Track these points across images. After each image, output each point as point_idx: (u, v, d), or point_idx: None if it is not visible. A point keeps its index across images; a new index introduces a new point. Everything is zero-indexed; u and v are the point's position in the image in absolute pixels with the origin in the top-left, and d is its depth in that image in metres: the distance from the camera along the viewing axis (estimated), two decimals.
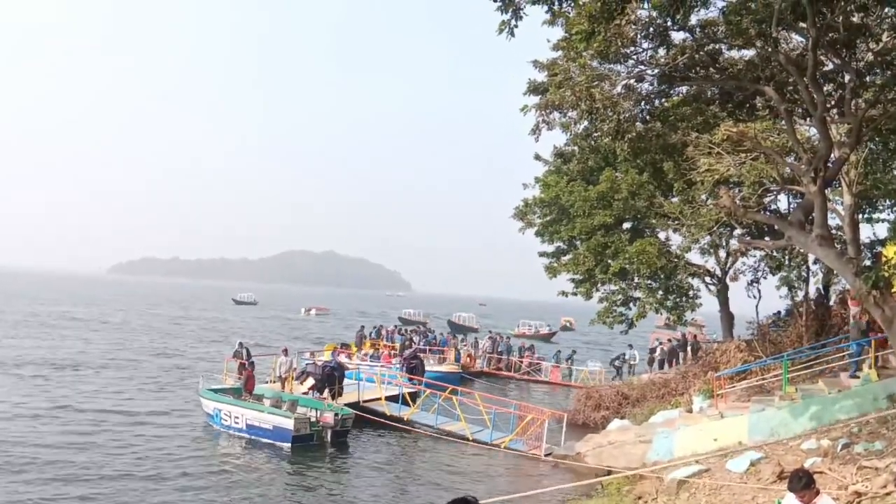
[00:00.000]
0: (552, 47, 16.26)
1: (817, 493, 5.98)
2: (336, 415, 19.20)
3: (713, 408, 16.77)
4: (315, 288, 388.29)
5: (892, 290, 11.14)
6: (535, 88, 15.63)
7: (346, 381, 22.76)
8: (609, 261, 25.13)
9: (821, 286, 21.78)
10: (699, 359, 24.09)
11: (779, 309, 24.11)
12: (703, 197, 20.75)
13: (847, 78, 13.37)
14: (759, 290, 23.79)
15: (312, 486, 15.58)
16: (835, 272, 17.67)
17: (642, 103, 15.16)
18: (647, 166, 21.90)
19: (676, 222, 22.78)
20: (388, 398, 22.40)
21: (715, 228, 20.79)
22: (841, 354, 16.20)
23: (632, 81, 14.36)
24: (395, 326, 54.00)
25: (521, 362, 38.28)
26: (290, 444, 18.17)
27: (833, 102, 14.13)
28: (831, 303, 21.02)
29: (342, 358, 28.83)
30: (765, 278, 24.07)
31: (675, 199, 23.07)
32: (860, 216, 20.29)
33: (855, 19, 12.42)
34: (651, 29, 13.11)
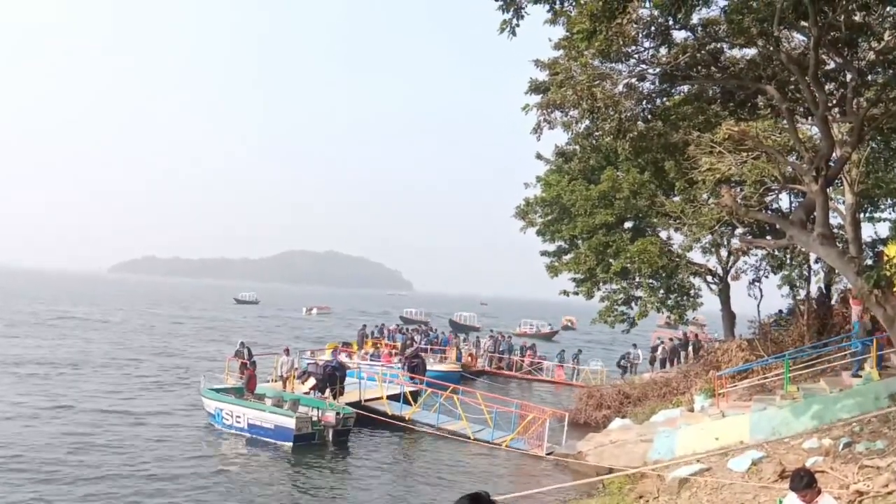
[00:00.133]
0: (553, 46, 16.24)
1: (819, 492, 5.98)
2: (337, 414, 19.21)
3: (714, 407, 16.76)
4: (316, 287, 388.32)
5: (894, 290, 11.13)
6: (536, 87, 15.60)
7: (347, 380, 22.77)
8: (610, 260, 25.11)
9: (822, 285, 21.77)
10: (700, 358, 24.08)
11: (780, 308, 24.11)
12: (705, 196, 20.74)
13: (849, 77, 13.36)
14: (760, 290, 23.80)
15: (314, 486, 15.59)
16: (836, 271, 17.68)
17: (644, 102, 15.16)
18: (649, 165, 21.91)
19: (678, 221, 22.76)
20: (390, 397, 22.41)
21: (716, 227, 20.79)
22: (842, 353, 16.19)
23: (633, 80, 14.36)
24: (397, 325, 54.05)
25: (523, 361, 38.25)
26: (291, 444, 18.18)
27: (835, 101, 14.12)
28: (833, 302, 21.02)
29: (343, 357, 28.83)
30: (766, 277, 24.09)
31: (676, 199, 23.05)
32: (862, 215, 20.29)
33: (857, 18, 12.41)
34: (652, 28, 13.11)
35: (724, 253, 25.78)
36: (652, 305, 25.38)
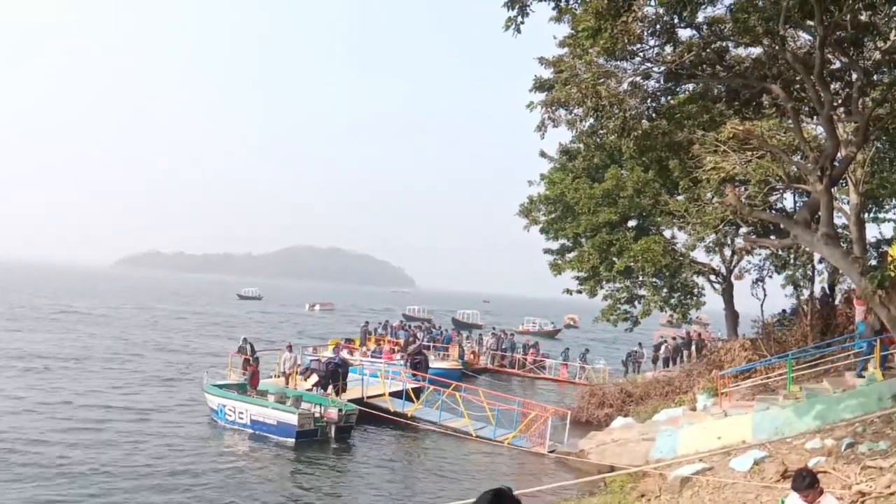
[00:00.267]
0: (558, 44, 16.23)
1: (821, 492, 5.97)
2: (340, 410, 19.24)
3: (717, 406, 16.76)
4: (320, 283, 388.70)
5: None
6: (540, 85, 15.56)
7: (350, 376, 22.80)
8: (614, 258, 25.11)
9: (826, 285, 21.74)
10: (703, 357, 24.07)
11: (784, 308, 24.10)
12: (709, 195, 20.69)
13: (854, 76, 13.31)
14: (764, 289, 23.77)
15: (316, 482, 15.62)
16: (840, 271, 17.64)
17: (648, 101, 15.11)
18: (653, 164, 21.87)
19: (682, 220, 22.71)
20: (392, 394, 22.43)
21: (720, 227, 20.73)
22: (846, 354, 16.17)
23: (638, 79, 14.31)
24: (400, 322, 54.10)
25: (526, 359, 38.23)
26: (293, 440, 18.22)
27: (840, 101, 14.09)
28: (836, 302, 20.99)
29: (344, 353, 28.86)
30: (770, 277, 24.05)
31: (680, 197, 23.02)
32: (866, 215, 20.25)
33: (863, 17, 12.38)
34: (658, 26, 13.07)
35: (727, 252, 25.76)
36: (655, 304, 25.39)
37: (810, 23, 11.80)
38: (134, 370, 29.52)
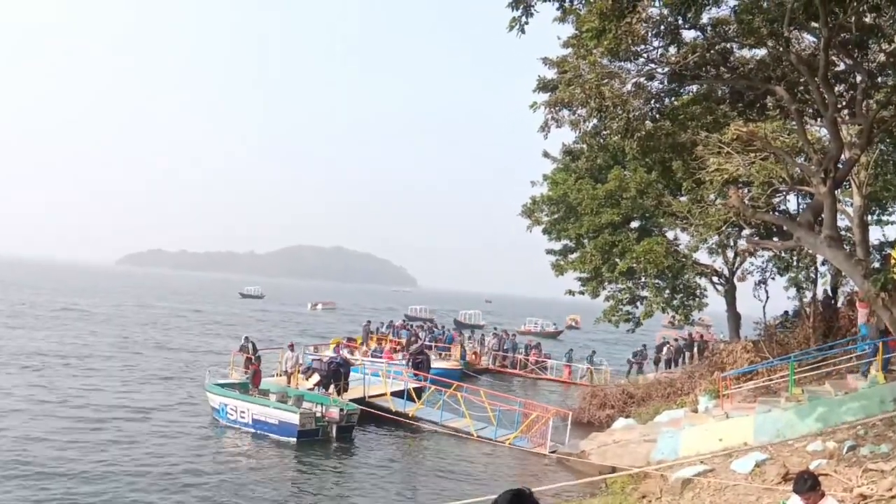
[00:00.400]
0: (562, 44, 16.24)
1: (822, 495, 5.96)
2: (341, 410, 19.25)
3: (719, 408, 16.73)
4: (322, 282, 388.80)
5: None
6: (544, 85, 15.60)
7: (351, 376, 22.80)
8: (616, 259, 25.08)
9: (829, 288, 21.71)
10: (705, 359, 24.05)
11: (786, 310, 24.07)
12: (712, 196, 20.68)
13: (859, 78, 13.31)
14: (766, 291, 23.76)
15: (317, 481, 15.62)
16: (843, 274, 17.62)
17: (652, 101, 15.11)
18: (656, 165, 21.86)
19: (684, 221, 22.69)
20: (394, 394, 22.43)
21: (723, 228, 20.71)
22: (848, 356, 16.14)
23: (642, 79, 14.32)
24: (403, 321, 54.09)
25: (528, 360, 38.18)
26: (295, 439, 18.23)
27: (844, 103, 14.07)
28: (839, 305, 20.96)
29: (344, 352, 28.87)
30: (773, 279, 24.04)
31: (683, 199, 23.00)
32: (870, 218, 20.24)
33: (867, 20, 12.36)
34: (662, 27, 13.08)
35: (730, 254, 25.74)
36: (657, 305, 25.37)
37: (815, 25, 11.78)
38: (135, 368, 29.51)
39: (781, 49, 12.86)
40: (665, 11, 12.57)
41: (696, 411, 17.82)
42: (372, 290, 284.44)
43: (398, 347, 36.77)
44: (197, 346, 40.06)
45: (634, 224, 26.47)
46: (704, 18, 13.16)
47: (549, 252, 28.83)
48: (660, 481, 13.19)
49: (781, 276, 23.68)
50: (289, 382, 22.85)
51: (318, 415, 19.07)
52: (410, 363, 25.88)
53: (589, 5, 11.59)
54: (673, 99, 15.82)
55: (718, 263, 26.03)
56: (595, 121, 14.30)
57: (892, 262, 14.00)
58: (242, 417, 19.44)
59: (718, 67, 14.24)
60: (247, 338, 27.59)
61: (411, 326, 47.10)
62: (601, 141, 17.34)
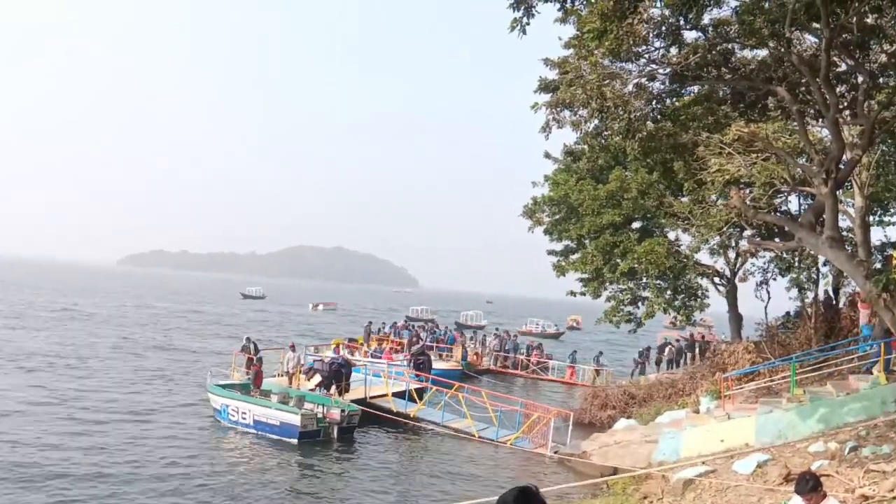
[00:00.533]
0: (564, 45, 16.22)
1: (824, 496, 5.95)
2: (342, 411, 19.25)
3: (720, 409, 16.71)
4: (323, 283, 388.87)
5: None
6: (546, 86, 15.59)
7: (353, 376, 22.81)
8: (617, 260, 25.06)
9: (830, 288, 21.70)
10: (707, 359, 24.04)
11: (788, 310, 24.06)
12: (714, 197, 20.68)
13: (860, 79, 13.30)
14: (768, 292, 23.75)
15: (318, 483, 15.62)
16: (845, 274, 17.60)
17: (653, 102, 15.12)
18: (658, 165, 21.86)
19: (686, 222, 22.70)
20: (395, 394, 22.43)
21: (725, 229, 20.72)
22: (850, 357, 16.13)
23: (643, 80, 14.33)
24: (405, 321, 54.11)
25: (529, 361, 38.14)
26: (296, 440, 18.24)
27: (846, 104, 14.07)
28: (841, 305, 20.94)
29: (344, 352, 28.90)
30: (774, 279, 24.03)
31: (684, 199, 23.00)
32: (871, 218, 20.21)
33: (869, 20, 12.36)
34: (663, 28, 13.08)
35: (732, 254, 25.72)
36: (659, 306, 25.35)
37: (816, 25, 11.79)
38: (136, 369, 29.49)
39: (783, 50, 12.86)
40: (666, 12, 12.58)
41: (697, 412, 17.80)
42: (373, 290, 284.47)
43: (398, 348, 36.77)
44: (198, 347, 40.03)
45: (636, 225, 26.45)
46: (706, 19, 13.17)
47: (551, 253, 28.82)
48: (661, 482, 13.18)
49: (783, 276, 23.67)
50: (290, 383, 22.87)
51: (320, 416, 19.08)
52: (412, 364, 25.88)
53: (590, 6, 11.59)
54: (674, 100, 15.82)
55: (720, 264, 26.04)
56: (596, 121, 14.30)
57: (894, 262, 14.00)
58: (244, 418, 19.45)
59: (720, 68, 14.24)
60: (248, 338, 27.65)
61: (413, 327, 47.11)
62: (602, 141, 17.36)
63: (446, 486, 15.91)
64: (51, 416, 19.49)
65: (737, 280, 25.47)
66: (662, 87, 14.93)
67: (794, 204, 21.91)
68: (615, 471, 15.36)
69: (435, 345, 37.57)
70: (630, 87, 14.02)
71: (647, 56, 13.66)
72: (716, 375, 18.93)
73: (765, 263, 24.43)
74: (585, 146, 24.97)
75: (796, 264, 22.63)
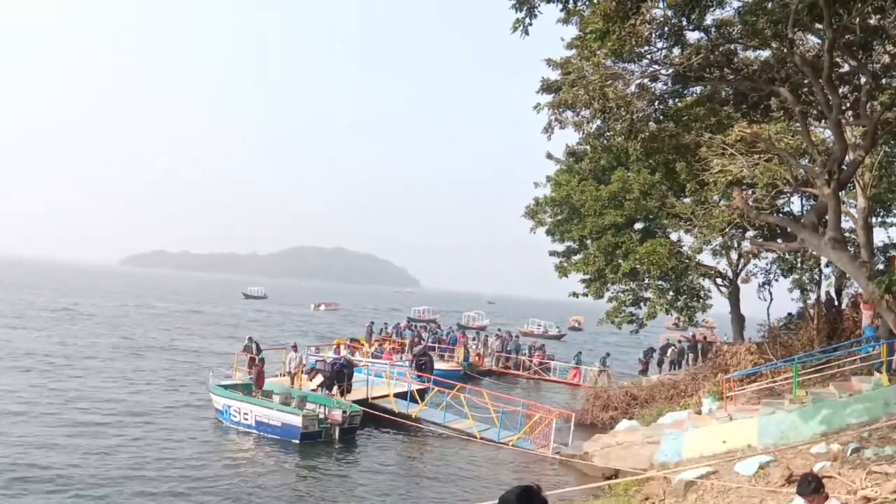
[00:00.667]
0: (566, 46, 16.22)
1: (826, 497, 5.95)
2: (344, 412, 19.25)
3: (722, 410, 16.70)
4: (325, 283, 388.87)
5: None
6: (548, 87, 15.57)
7: (355, 376, 22.82)
8: (619, 261, 25.04)
9: (833, 290, 21.67)
10: (709, 360, 24.01)
11: (790, 311, 24.03)
12: (716, 198, 20.67)
13: (863, 80, 13.28)
14: (770, 293, 23.72)
15: (320, 484, 15.62)
16: (847, 275, 17.58)
17: (656, 103, 15.12)
18: (660, 166, 21.83)
19: (688, 223, 22.68)
20: (397, 395, 22.42)
21: (727, 230, 20.71)
22: (852, 358, 16.10)
23: (645, 81, 14.31)
24: (407, 322, 54.15)
25: (531, 361, 38.11)
26: (298, 441, 18.24)
27: (848, 104, 14.05)
28: (843, 306, 20.92)
29: (345, 352, 28.91)
30: (777, 280, 24.02)
31: (687, 200, 22.97)
32: (874, 219, 20.20)
33: (872, 21, 12.34)
34: (666, 28, 13.06)
35: (734, 255, 25.70)
36: (661, 307, 25.33)
37: (819, 26, 11.78)
38: (137, 369, 29.48)
39: (785, 50, 12.85)
40: (669, 13, 12.56)
41: (699, 413, 17.79)
42: (374, 290, 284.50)
43: (399, 348, 36.76)
44: (200, 347, 40.04)
45: (638, 225, 26.43)
46: (708, 20, 13.15)
47: (553, 254, 28.80)
48: (663, 483, 13.17)
49: (785, 277, 23.65)
50: (292, 383, 22.88)
51: (321, 417, 19.09)
52: (414, 364, 25.87)
53: (593, 6, 11.58)
54: (677, 100, 15.81)
55: (722, 265, 26.02)
56: (599, 122, 14.31)
57: None
58: (245, 419, 19.46)
59: (722, 69, 14.22)
60: (250, 338, 27.68)
61: (415, 327, 47.12)
62: (605, 142, 17.38)
63: (448, 487, 15.90)
64: (51, 417, 19.48)
65: (739, 281, 25.44)
66: (665, 87, 14.92)
67: (796, 205, 21.88)
68: (617, 472, 15.35)
69: (437, 345, 37.56)
70: (632, 88, 14.02)
71: (649, 57, 13.64)
72: (718, 376, 18.92)
73: (767, 264, 24.44)
74: (588, 147, 24.97)
75: (799, 265, 22.61)
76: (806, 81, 13.24)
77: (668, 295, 25.43)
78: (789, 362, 16.74)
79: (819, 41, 13.30)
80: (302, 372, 23.48)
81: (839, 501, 6.65)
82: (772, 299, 23.57)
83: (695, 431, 15.68)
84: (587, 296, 27.53)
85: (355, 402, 20.80)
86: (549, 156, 28.62)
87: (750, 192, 18.73)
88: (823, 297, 21.26)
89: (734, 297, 25.56)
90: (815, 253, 19.05)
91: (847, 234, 17.68)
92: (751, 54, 14.79)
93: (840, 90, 13.44)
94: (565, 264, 27.53)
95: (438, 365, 30.41)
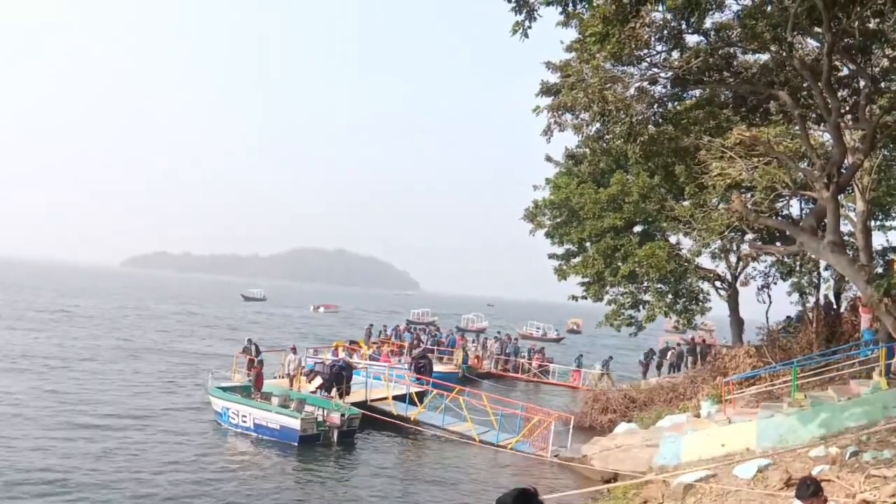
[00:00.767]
0: (565, 49, 16.23)
1: (825, 500, 5.94)
2: (342, 415, 19.23)
3: (721, 413, 16.69)
4: (325, 285, 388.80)
5: None
6: (547, 89, 15.58)
7: (354, 379, 22.80)
8: (619, 263, 25.04)
9: (832, 293, 21.66)
10: (708, 363, 24.01)
11: (789, 315, 24.02)
12: (715, 201, 20.66)
13: (862, 83, 13.30)
14: (769, 296, 23.71)
15: (318, 487, 15.60)
16: (846, 279, 17.59)
17: (655, 106, 15.11)
18: (659, 169, 21.84)
19: (687, 226, 22.68)
20: (396, 398, 22.40)
21: (726, 233, 20.68)
22: (851, 362, 16.09)
23: (645, 84, 14.32)
24: (406, 324, 54.13)
25: (530, 364, 38.08)
26: (297, 444, 18.22)
27: (847, 108, 14.06)
28: (842, 310, 20.91)
29: (343, 354, 28.89)
30: (775, 284, 24.00)
31: (686, 203, 22.98)
32: (873, 223, 20.20)
33: (871, 25, 12.35)
34: (665, 31, 13.08)
35: (733, 258, 25.71)
36: (660, 310, 25.33)
37: (818, 30, 11.79)
38: (136, 371, 29.45)
39: (785, 54, 12.86)
40: (668, 16, 12.58)
41: (698, 416, 17.78)
42: (375, 293, 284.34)
43: (398, 350, 36.75)
44: (199, 349, 40.00)
45: (637, 228, 26.45)
46: (708, 23, 13.16)
47: (552, 256, 28.82)
48: (662, 486, 13.17)
49: (784, 280, 23.64)
50: (291, 385, 22.87)
51: (320, 419, 19.07)
52: (413, 367, 25.85)
53: (592, 9, 11.58)
54: (676, 103, 15.82)
55: (721, 268, 26.03)
56: (598, 125, 14.30)
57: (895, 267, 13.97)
58: (244, 422, 19.44)
59: (722, 72, 14.23)
60: (250, 339, 27.68)
61: (414, 330, 47.11)
62: (604, 145, 17.37)
63: (446, 490, 15.89)
64: (49, 419, 19.43)
65: (738, 284, 25.44)
66: (664, 90, 14.92)
67: (795, 208, 21.89)
68: (616, 475, 15.33)
69: (436, 348, 37.54)
70: (632, 91, 14.02)
71: (648, 60, 13.66)
72: (717, 379, 18.91)
73: (766, 267, 24.42)
74: (587, 149, 24.97)
75: (797, 268, 22.61)
76: (805, 85, 13.26)
77: (667, 298, 25.43)
78: (788, 366, 16.72)
79: (818, 45, 13.31)
80: (301, 374, 23.47)
81: None
82: (771, 302, 23.58)
83: (693, 435, 15.67)
84: (586, 298, 27.52)
85: (354, 404, 20.79)
86: (549, 158, 28.65)
87: (749, 195, 18.72)
88: (822, 301, 21.24)
89: (733, 301, 25.55)
90: (813, 256, 19.07)
91: (846, 238, 17.71)
92: (750, 58, 14.81)
93: (839, 94, 13.45)
94: (564, 267, 27.54)
95: (437, 367, 30.35)
